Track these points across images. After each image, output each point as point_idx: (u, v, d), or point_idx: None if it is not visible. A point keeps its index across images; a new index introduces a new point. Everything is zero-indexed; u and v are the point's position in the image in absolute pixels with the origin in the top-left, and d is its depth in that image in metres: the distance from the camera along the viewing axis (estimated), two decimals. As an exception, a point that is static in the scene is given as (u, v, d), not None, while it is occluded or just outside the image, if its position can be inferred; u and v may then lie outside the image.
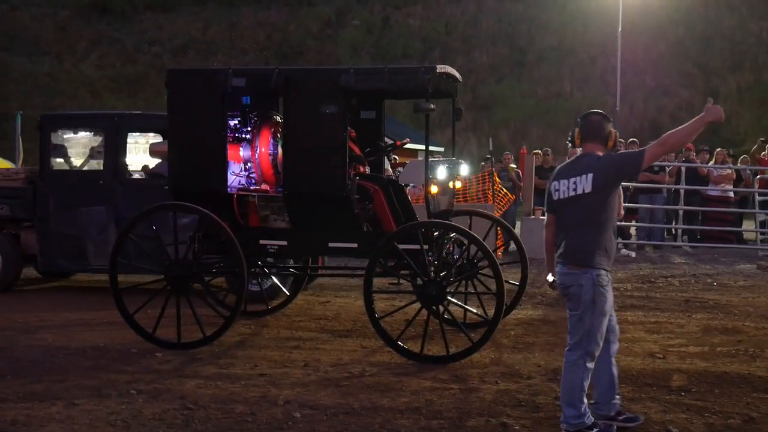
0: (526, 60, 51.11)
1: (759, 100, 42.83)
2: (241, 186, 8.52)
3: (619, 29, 35.26)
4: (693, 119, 5.30)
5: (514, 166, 17.68)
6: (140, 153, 12.91)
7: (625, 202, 15.77)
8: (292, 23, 58.25)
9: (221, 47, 55.42)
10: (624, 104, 39.56)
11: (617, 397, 5.75)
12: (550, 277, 5.74)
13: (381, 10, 59.23)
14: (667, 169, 16.64)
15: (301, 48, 55.20)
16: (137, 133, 12.46)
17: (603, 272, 5.40)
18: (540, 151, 17.91)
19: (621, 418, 5.72)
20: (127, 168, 11.31)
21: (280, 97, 8.51)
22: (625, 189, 15.93)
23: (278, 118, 8.64)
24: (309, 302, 10.48)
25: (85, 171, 11.74)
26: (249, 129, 8.58)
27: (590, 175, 5.33)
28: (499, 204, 15.75)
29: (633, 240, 16.95)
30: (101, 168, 11.23)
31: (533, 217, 15.49)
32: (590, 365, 5.44)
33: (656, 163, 16.22)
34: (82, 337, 8.54)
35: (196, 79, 8.71)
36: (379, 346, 8.03)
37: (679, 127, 5.36)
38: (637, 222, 16.98)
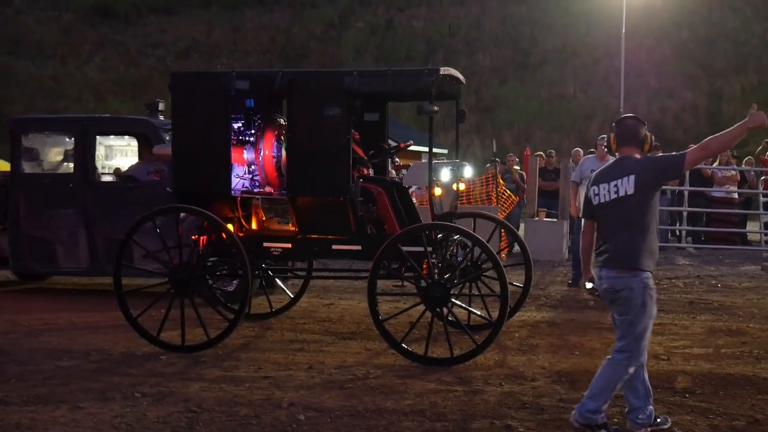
0: (530, 62, 51.09)
1: (763, 102, 42.19)
2: (244, 189, 8.52)
3: (623, 31, 35.21)
4: (735, 125, 5.25)
5: (517, 167, 17.67)
6: (116, 156, 13.03)
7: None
8: (296, 25, 58.30)
9: (225, 50, 55.46)
10: (627, 106, 39.41)
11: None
12: (588, 284, 5.66)
13: (384, 12, 59.28)
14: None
15: (304, 50, 55.25)
16: (111, 137, 12.58)
17: (650, 274, 5.41)
18: (543, 153, 17.89)
19: (659, 420, 5.67)
20: (96, 171, 11.38)
21: (283, 99, 8.51)
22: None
23: (282, 121, 8.65)
24: (313, 305, 10.48)
25: (55, 174, 11.79)
26: (253, 132, 8.57)
27: (632, 177, 5.31)
28: (503, 206, 15.74)
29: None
30: (71, 171, 11.29)
31: (537, 218, 15.49)
32: (631, 371, 5.40)
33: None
34: (86, 340, 8.55)
35: (200, 81, 8.72)
36: (383, 349, 8.03)
37: (722, 132, 5.31)
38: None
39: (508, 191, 16.19)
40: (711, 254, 15.79)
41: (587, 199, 5.58)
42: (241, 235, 8.25)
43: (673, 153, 5.69)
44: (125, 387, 6.77)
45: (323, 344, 8.40)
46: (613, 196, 5.37)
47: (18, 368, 7.41)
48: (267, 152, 8.42)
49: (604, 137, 12.15)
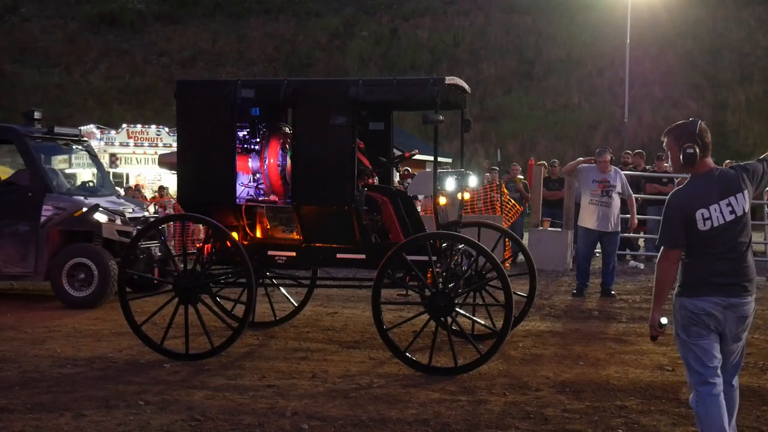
0: (534, 72, 51.14)
1: (767, 112, 42.73)
2: (249, 197, 8.52)
3: (627, 41, 35.25)
4: None
5: (521, 177, 17.67)
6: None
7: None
8: (301, 34, 58.43)
9: (230, 58, 55.63)
10: (632, 116, 39.52)
11: None
12: (664, 320, 5.02)
13: (389, 21, 59.39)
14: (676, 180, 16.58)
15: (309, 59, 55.36)
16: None
17: None
18: (545, 163, 17.87)
19: None
20: None
21: (289, 108, 8.52)
22: (635, 200, 15.92)
23: (287, 130, 8.66)
24: (317, 313, 10.48)
25: None
26: (258, 140, 8.59)
27: (744, 193, 4.80)
28: (507, 215, 15.75)
29: (641, 251, 16.91)
30: None
31: (541, 228, 15.48)
32: None
33: (665, 174, 16.23)
34: (90, 348, 8.56)
35: (206, 90, 8.75)
36: (387, 358, 8.02)
37: None
38: (645, 233, 16.93)
39: (512, 200, 16.20)
40: (715, 265, 15.73)
41: (688, 225, 4.78)
42: (245, 243, 8.25)
43: (755, 161, 5.13)
44: (129, 395, 6.77)
45: (327, 353, 8.39)
46: (730, 216, 4.76)
47: (22, 376, 7.42)
48: (272, 161, 8.43)
49: (604, 152, 12.17)
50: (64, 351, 8.40)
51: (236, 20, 60.50)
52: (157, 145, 28.46)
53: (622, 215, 12.20)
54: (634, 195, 12.46)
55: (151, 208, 13.42)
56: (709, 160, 4.88)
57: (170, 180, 23.55)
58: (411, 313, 8.61)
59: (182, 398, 6.70)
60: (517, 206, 16.28)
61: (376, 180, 8.84)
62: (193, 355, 7.95)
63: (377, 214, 8.33)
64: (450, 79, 8.14)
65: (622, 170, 16.03)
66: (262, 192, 8.57)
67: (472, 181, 9.36)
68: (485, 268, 8.69)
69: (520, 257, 14.59)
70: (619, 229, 12.13)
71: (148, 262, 11.55)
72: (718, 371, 4.90)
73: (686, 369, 5.06)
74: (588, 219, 11.85)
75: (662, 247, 4.90)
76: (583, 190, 12.03)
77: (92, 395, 6.78)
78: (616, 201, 11.84)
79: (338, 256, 8.18)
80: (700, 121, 4.90)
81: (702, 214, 4.75)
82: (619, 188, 11.82)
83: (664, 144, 4.97)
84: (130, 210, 12.04)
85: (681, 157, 4.83)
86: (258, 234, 8.53)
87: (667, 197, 4.98)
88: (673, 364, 7.82)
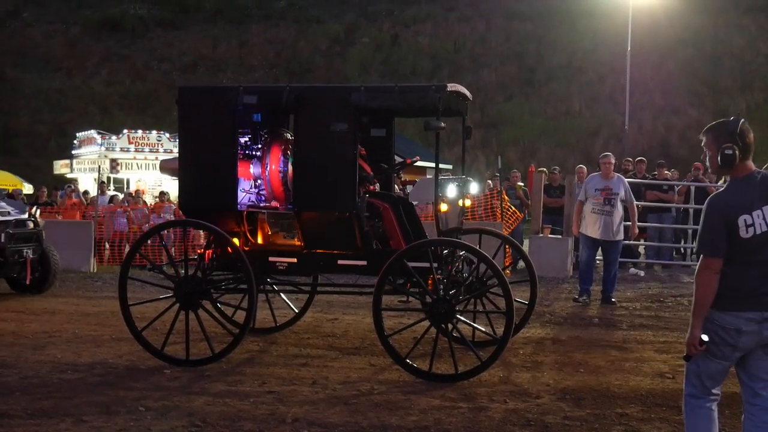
0: (535, 78, 51.21)
1: (768, 120, 42.81)
2: (251, 203, 8.53)
3: (629, 48, 35.33)
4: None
5: (521, 184, 17.68)
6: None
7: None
8: (301, 40, 58.55)
9: (231, 64, 55.72)
10: (633, 123, 39.60)
11: None
12: (705, 337, 4.56)
13: (390, 27, 59.49)
14: (676, 188, 16.62)
15: (310, 65, 55.46)
16: None
17: None
18: (545, 170, 17.88)
19: None
20: None
21: (290, 114, 8.53)
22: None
23: (288, 136, 8.67)
24: (317, 319, 10.47)
25: None
26: (259, 146, 8.60)
27: None
28: (507, 222, 15.75)
29: (642, 259, 16.91)
30: None
31: (541, 235, 15.48)
32: None
33: (665, 181, 16.24)
34: (90, 354, 8.55)
35: (208, 96, 8.76)
36: (387, 364, 8.02)
37: None
38: (646, 241, 16.94)
39: (512, 207, 16.20)
40: (716, 272, 15.72)
41: (729, 232, 4.46)
42: (246, 249, 8.25)
43: None
44: (129, 401, 6.76)
45: (327, 359, 8.39)
46: None
47: (22, 381, 7.41)
48: (273, 167, 8.43)
49: (608, 155, 12.17)
50: (65, 356, 8.40)
51: (237, 26, 60.61)
52: (157, 151, 28.50)
53: (625, 222, 12.18)
54: (637, 203, 12.46)
55: (35, 211, 13.62)
56: (750, 163, 4.54)
57: (171, 185, 23.59)
58: (411, 319, 8.59)
59: (183, 404, 6.69)
60: (518, 213, 16.29)
61: (377, 187, 8.84)
62: (194, 361, 7.94)
63: (378, 221, 8.33)
64: (452, 86, 8.15)
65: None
66: (263, 198, 8.57)
67: (473, 188, 9.36)
68: (486, 275, 8.68)
69: (521, 264, 14.62)
70: (621, 238, 12.08)
71: (23, 265, 12.10)
72: (714, 393, 4.73)
73: (685, 374, 4.88)
74: (590, 228, 11.83)
75: (702, 256, 4.53)
76: (587, 198, 11.95)
77: (93, 401, 6.77)
78: (619, 209, 11.81)
79: (339, 262, 8.17)
80: (742, 120, 4.55)
81: (745, 220, 4.41)
82: (622, 195, 11.79)
83: (702, 143, 4.63)
84: (7, 212, 12.42)
85: (719, 158, 4.49)
86: (259, 240, 8.53)
87: (706, 201, 4.61)
88: (674, 372, 7.82)
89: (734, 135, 4.47)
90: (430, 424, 6.24)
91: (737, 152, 4.46)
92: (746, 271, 4.47)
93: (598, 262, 12.93)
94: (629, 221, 12.31)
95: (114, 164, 28.65)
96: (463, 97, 8.69)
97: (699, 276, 4.54)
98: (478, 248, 8.10)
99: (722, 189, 4.65)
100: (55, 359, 8.27)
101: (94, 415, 6.37)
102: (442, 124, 7.72)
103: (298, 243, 8.32)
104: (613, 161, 11.99)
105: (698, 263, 4.56)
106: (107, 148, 29.10)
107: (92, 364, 8.09)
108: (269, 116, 8.76)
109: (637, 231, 12.51)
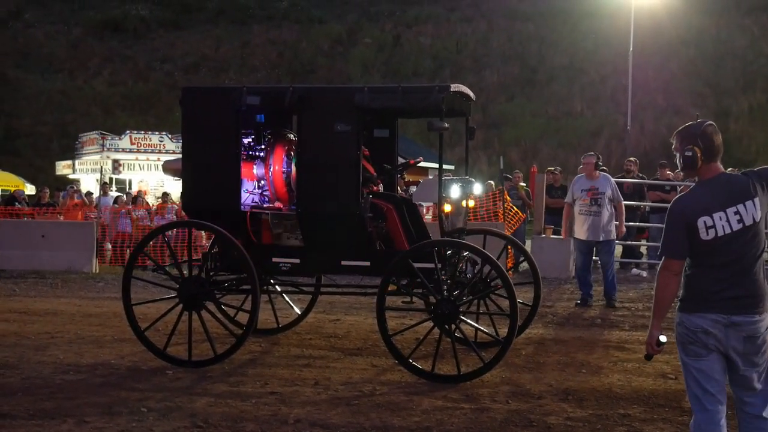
0: (537, 79, 51.20)
1: (770, 120, 42.78)
2: (254, 204, 8.53)
3: (630, 49, 35.28)
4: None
5: (523, 184, 17.68)
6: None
7: (636, 222, 15.80)
8: (304, 41, 58.57)
9: (233, 65, 55.76)
10: (635, 124, 39.53)
11: None
12: (663, 338, 4.70)
13: (392, 28, 59.50)
14: (679, 189, 16.58)
15: (312, 66, 55.48)
16: None
17: None
18: (552, 168, 17.87)
19: None
20: None
21: (294, 115, 8.53)
22: (636, 208, 15.91)
23: (292, 136, 8.66)
24: (319, 320, 10.47)
25: None
26: (263, 147, 8.59)
27: (755, 200, 4.43)
28: (509, 222, 15.74)
29: (644, 259, 16.89)
30: None
31: (543, 236, 15.47)
32: None
33: (667, 182, 16.22)
34: (92, 354, 8.55)
35: (211, 97, 8.75)
36: (389, 365, 8.01)
37: None
38: (648, 241, 16.91)
39: (515, 208, 16.19)
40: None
41: (690, 233, 4.45)
42: (249, 250, 8.24)
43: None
44: (132, 401, 6.76)
45: (330, 360, 8.38)
46: (738, 225, 4.40)
47: (24, 382, 7.41)
48: (277, 167, 8.43)
49: (590, 155, 12.08)
50: (67, 357, 8.40)
51: (239, 27, 60.63)
52: (160, 152, 28.49)
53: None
54: (637, 203, 12.39)
55: None
56: (717, 165, 4.52)
57: (173, 186, 23.58)
58: (414, 320, 8.58)
59: (185, 405, 6.69)
60: (520, 213, 16.28)
61: (380, 187, 8.84)
62: (196, 361, 7.94)
63: (382, 222, 8.32)
64: (455, 87, 8.14)
65: (624, 178, 16.04)
66: (266, 199, 8.57)
67: (477, 188, 9.34)
68: (490, 275, 8.67)
69: (523, 265, 14.59)
70: (613, 238, 11.94)
71: None
72: (720, 397, 4.55)
73: (687, 391, 4.74)
74: (579, 229, 11.73)
75: (663, 257, 4.56)
76: (574, 200, 11.86)
77: (95, 402, 6.77)
78: (607, 209, 11.67)
79: (343, 263, 8.16)
80: (706, 122, 4.56)
81: (704, 222, 4.39)
82: (609, 194, 11.68)
83: (672, 147, 4.67)
84: None
85: (680, 159, 4.54)
86: (262, 241, 8.53)
87: (670, 204, 4.66)
88: (676, 373, 7.80)
89: (696, 137, 4.50)
90: (433, 424, 6.23)
91: (699, 154, 4.48)
92: (710, 273, 4.48)
93: (599, 264, 12.90)
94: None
95: (116, 165, 28.65)
96: (466, 97, 8.68)
97: (659, 277, 4.60)
98: (482, 249, 8.09)
99: (686, 191, 4.70)
100: (57, 360, 8.27)
101: (96, 416, 6.37)
102: (446, 125, 7.71)
103: (302, 244, 8.31)
104: (593, 161, 11.80)
105: (659, 264, 4.61)
106: (109, 149, 29.11)
107: (94, 364, 8.09)
108: (272, 117, 8.76)
109: (624, 230, 12.34)
